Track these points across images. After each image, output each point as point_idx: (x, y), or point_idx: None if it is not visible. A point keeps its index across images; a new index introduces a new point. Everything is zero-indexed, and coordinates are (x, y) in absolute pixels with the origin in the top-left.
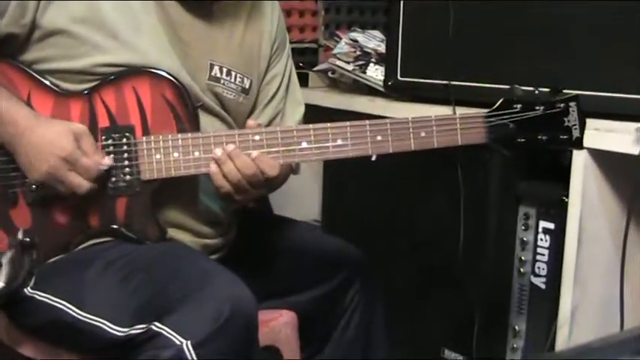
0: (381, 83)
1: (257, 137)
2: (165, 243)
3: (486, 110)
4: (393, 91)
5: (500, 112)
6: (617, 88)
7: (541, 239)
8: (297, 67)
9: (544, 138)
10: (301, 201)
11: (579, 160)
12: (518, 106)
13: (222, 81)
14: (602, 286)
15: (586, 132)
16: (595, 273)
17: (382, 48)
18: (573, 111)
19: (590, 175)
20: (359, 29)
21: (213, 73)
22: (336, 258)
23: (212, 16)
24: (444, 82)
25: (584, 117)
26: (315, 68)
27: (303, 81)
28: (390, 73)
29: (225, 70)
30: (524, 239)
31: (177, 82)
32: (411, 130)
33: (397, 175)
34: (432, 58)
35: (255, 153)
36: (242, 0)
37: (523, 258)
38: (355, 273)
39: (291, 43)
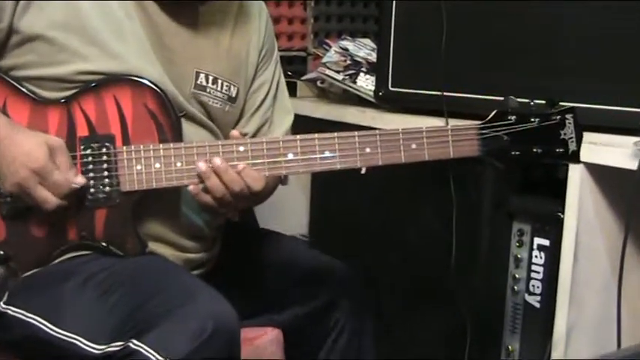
0: (372, 93)
1: (241, 148)
2: (146, 257)
3: (479, 122)
4: (384, 101)
5: (494, 124)
6: (615, 100)
7: (535, 256)
8: (285, 76)
9: (539, 151)
10: (288, 214)
11: (575, 174)
12: (513, 117)
13: (208, 89)
14: (599, 304)
15: (582, 146)
16: (591, 291)
17: (373, 57)
18: (570, 123)
19: (586, 190)
20: (349, 37)
21: (199, 82)
22: (323, 274)
23: (198, 22)
24: (437, 92)
25: (581, 130)
26: (304, 77)
27: (291, 90)
28: (380, 83)
29: (211, 78)
30: (518, 256)
31: (159, 91)
32: (401, 142)
33: (387, 188)
34: (424, 69)
35: (240, 165)
36: (229, 2)
37: (517, 276)
38: (343, 290)
39: (278, 51)
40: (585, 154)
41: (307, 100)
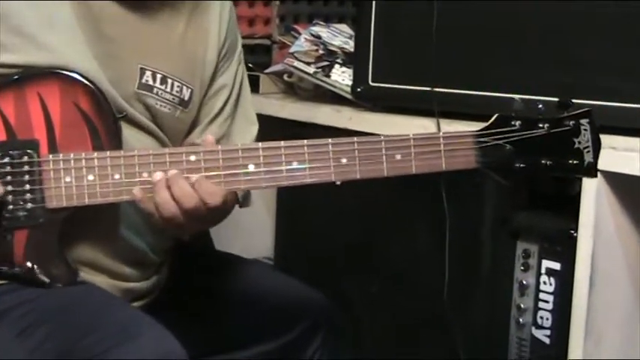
0: (349, 89)
1: (193, 157)
2: (77, 287)
3: (477, 128)
4: (364, 99)
5: (495, 131)
6: (636, 98)
7: (544, 282)
8: (246, 68)
9: (549, 163)
10: (250, 234)
11: (591, 185)
12: (518, 123)
13: (155, 90)
14: (621, 339)
15: (601, 151)
16: (611, 323)
17: (350, 46)
18: (586, 130)
19: (604, 203)
20: (322, 22)
21: (144, 80)
22: (294, 304)
23: (145, 8)
24: (426, 88)
25: (598, 137)
26: (268, 70)
27: (253, 86)
28: (359, 78)
29: (159, 76)
30: (524, 282)
31: (94, 88)
32: (383, 151)
33: (368, 203)
34: (411, 60)
35: (194, 177)
36: None
37: (522, 305)
38: (318, 323)
39: None
40: (603, 161)
41: (272, 98)
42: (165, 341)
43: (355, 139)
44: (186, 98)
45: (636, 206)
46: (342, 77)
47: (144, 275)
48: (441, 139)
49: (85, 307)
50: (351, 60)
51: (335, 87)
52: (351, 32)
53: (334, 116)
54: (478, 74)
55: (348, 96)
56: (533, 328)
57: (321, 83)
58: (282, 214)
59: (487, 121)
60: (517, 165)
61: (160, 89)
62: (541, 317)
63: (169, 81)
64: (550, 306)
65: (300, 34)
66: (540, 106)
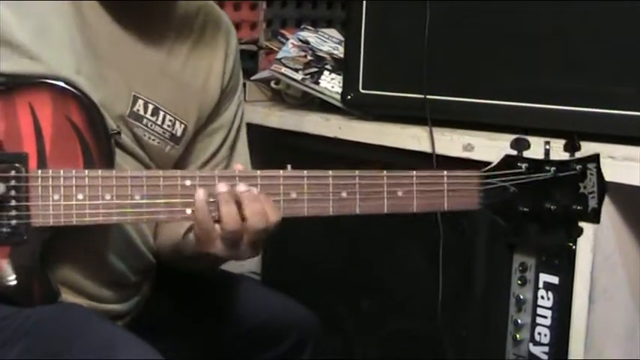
0: (338, 97)
1: (188, 182)
2: (55, 305)
3: (482, 169)
4: (354, 106)
5: (502, 172)
6: (636, 104)
7: (542, 297)
8: None
9: (552, 208)
10: None
11: None
12: (524, 165)
13: (144, 121)
14: (622, 355)
15: (600, 162)
16: (612, 339)
17: (340, 52)
18: (592, 175)
19: (603, 214)
20: (310, 27)
21: (135, 109)
22: (280, 321)
23: (147, 32)
24: (418, 95)
25: (604, 182)
26: (254, 77)
27: None
28: (349, 85)
29: (151, 107)
30: (521, 297)
31: (87, 101)
32: (385, 187)
33: (359, 217)
34: (402, 66)
35: (255, 190)
36: (190, 13)
37: (519, 321)
38: (305, 340)
39: None
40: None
41: (258, 105)
42: (147, 357)
43: (357, 172)
44: (178, 134)
45: (637, 217)
46: (331, 84)
47: (123, 297)
48: (445, 178)
49: (63, 324)
50: (341, 66)
51: (324, 94)
52: (341, 37)
53: (323, 125)
54: (472, 81)
55: (338, 104)
56: (530, 345)
57: (309, 90)
58: None
59: (481, 129)
60: (520, 209)
61: (150, 121)
62: (539, 333)
63: (161, 113)
64: (548, 322)
65: (287, 39)
66: (547, 147)
